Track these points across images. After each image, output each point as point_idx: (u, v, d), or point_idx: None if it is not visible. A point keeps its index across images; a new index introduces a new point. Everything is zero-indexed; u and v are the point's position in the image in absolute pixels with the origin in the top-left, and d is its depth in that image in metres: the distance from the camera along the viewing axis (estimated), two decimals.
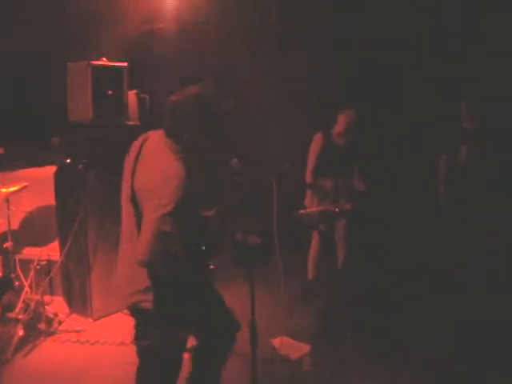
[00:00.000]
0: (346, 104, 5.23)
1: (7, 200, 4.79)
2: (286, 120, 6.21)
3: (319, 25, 6.23)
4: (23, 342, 4.59)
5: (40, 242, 5.41)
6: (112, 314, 5.18)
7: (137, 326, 2.96)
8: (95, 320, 5.14)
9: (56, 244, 5.38)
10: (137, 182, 2.71)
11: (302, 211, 5.10)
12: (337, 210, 4.92)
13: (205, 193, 2.83)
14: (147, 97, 5.37)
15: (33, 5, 6.01)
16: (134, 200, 2.72)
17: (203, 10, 6.07)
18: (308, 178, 5.26)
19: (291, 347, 4.69)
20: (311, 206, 5.19)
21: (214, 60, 6.14)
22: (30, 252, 5.47)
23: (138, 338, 2.97)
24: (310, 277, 5.55)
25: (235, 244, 3.57)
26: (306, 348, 4.68)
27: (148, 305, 2.75)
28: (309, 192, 5.29)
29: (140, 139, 2.85)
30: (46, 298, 5.29)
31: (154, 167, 2.68)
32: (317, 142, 5.26)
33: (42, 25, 5.96)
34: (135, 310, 2.88)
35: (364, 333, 4.89)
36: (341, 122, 5.14)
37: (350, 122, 5.09)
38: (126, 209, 2.80)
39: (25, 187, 4.90)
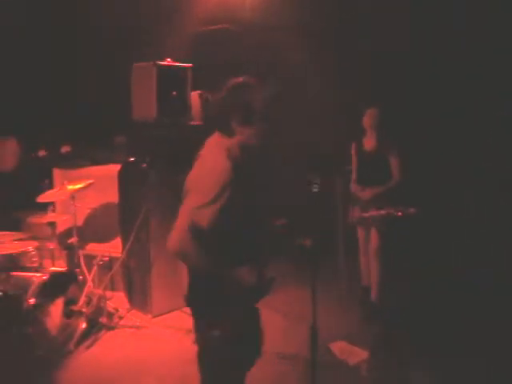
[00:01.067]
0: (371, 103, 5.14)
1: (73, 197, 4.91)
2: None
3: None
4: (85, 334, 4.72)
5: (103, 238, 5.55)
6: (172, 311, 5.24)
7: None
8: (154, 317, 5.21)
9: (118, 241, 5.50)
10: (187, 179, 2.72)
11: (364, 214, 5.02)
12: (399, 213, 4.80)
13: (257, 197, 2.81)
14: (210, 97, 5.40)
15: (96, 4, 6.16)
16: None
17: (267, 11, 6.10)
18: (353, 187, 5.27)
19: (350, 352, 4.62)
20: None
21: (276, 60, 6.13)
22: (93, 248, 5.62)
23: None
24: (364, 282, 5.45)
25: (296, 248, 3.54)
26: (364, 354, 4.60)
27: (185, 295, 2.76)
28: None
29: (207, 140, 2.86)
30: (108, 293, 5.41)
31: (202, 164, 2.69)
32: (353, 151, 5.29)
33: (107, 24, 6.09)
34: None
35: (422, 338, 4.78)
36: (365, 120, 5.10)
37: (374, 119, 5.04)
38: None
39: (90, 185, 5.03)
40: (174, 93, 5.04)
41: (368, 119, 5.09)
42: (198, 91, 5.41)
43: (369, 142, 5.15)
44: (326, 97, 6.06)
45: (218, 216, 2.51)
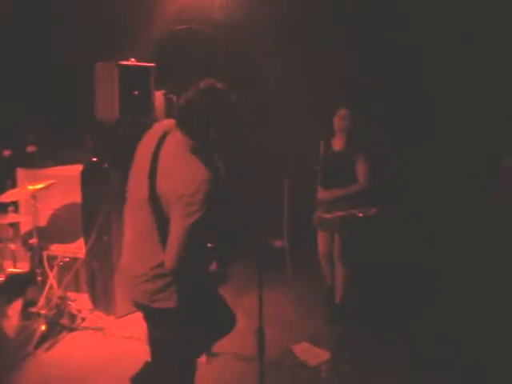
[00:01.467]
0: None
1: (34, 197, 4.87)
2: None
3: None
4: (46, 336, 4.66)
5: (66, 239, 5.49)
6: (134, 312, 5.19)
7: (154, 325, 2.96)
8: (118, 318, 5.17)
9: (82, 241, 5.46)
10: (160, 186, 2.67)
11: (324, 215, 5.01)
12: (360, 214, 4.80)
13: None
14: (175, 97, 5.37)
15: (61, 4, 6.12)
16: (154, 202, 2.69)
17: (233, 11, 6.09)
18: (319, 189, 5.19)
19: (311, 353, 4.62)
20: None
21: (241, 61, 6.13)
22: (57, 249, 5.56)
23: (154, 337, 2.96)
24: (327, 283, 5.40)
25: (261, 247, 3.57)
26: (325, 355, 4.60)
27: (170, 304, 2.76)
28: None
29: (154, 137, 2.81)
30: (72, 294, 5.37)
31: (178, 171, 2.66)
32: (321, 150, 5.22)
33: (71, 25, 6.05)
34: (152, 309, 2.85)
35: (385, 340, 4.79)
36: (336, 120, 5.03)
37: (344, 120, 4.97)
38: (142, 209, 2.75)
39: (51, 185, 4.98)
40: (136, 92, 5.01)
41: (339, 120, 4.99)
42: (162, 91, 5.38)
43: (337, 143, 5.08)
44: (295, 96, 6.04)
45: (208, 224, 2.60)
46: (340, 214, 4.86)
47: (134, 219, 2.86)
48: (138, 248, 2.85)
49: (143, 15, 6.02)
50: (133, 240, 2.89)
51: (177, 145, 2.72)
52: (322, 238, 5.24)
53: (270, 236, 6.13)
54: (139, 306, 2.95)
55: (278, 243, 6.26)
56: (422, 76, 6.21)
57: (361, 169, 4.92)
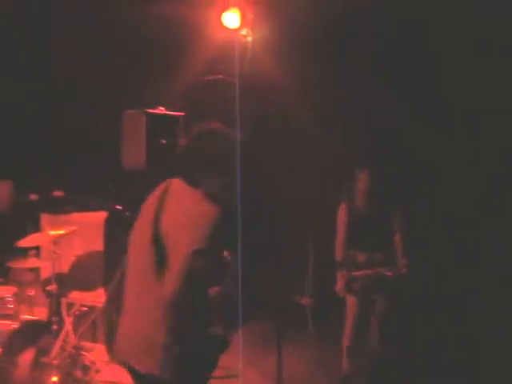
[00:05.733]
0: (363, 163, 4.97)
1: (55, 242, 4.81)
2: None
3: None
4: None
5: (86, 286, 5.40)
6: None
7: None
8: None
9: (102, 290, 5.36)
10: (164, 224, 2.58)
11: (353, 273, 4.81)
12: (389, 273, 4.60)
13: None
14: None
15: (91, 51, 6.25)
16: (157, 244, 2.58)
17: (263, 64, 6.13)
18: (338, 252, 4.94)
19: None
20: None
21: (268, 113, 6.15)
22: (76, 296, 5.46)
23: None
24: (344, 367, 5.00)
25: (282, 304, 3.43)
26: None
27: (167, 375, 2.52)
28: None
29: (161, 188, 2.75)
30: (89, 344, 5.24)
31: (183, 207, 2.58)
32: (341, 213, 4.96)
33: (98, 72, 6.15)
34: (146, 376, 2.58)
35: None
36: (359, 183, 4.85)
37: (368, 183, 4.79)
38: (145, 251, 2.63)
39: (73, 231, 4.93)
40: (163, 141, 4.98)
41: (362, 184, 4.82)
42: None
43: (362, 206, 4.87)
44: (319, 149, 6.00)
45: (213, 258, 2.46)
46: (368, 272, 4.66)
47: (136, 268, 2.71)
48: (144, 310, 2.61)
49: (172, 63, 6.09)
50: (135, 299, 2.68)
51: (183, 187, 2.65)
52: (353, 304, 4.89)
53: (293, 293, 5.97)
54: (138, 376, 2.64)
55: (301, 300, 6.08)
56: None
57: (399, 247, 4.75)
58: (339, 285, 4.87)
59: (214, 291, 2.55)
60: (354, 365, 4.93)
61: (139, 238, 2.71)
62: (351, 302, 4.88)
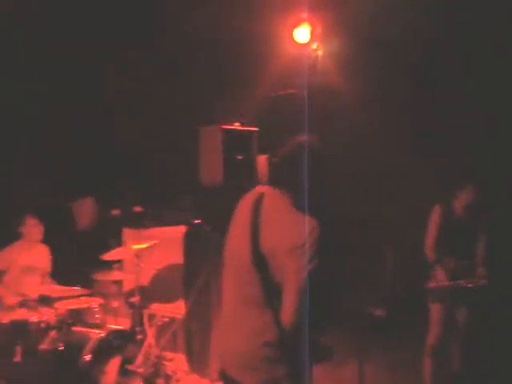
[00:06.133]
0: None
1: (138, 256, 5.01)
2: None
3: None
4: None
5: (166, 299, 5.57)
6: None
7: None
8: (212, 382, 5.11)
9: (182, 302, 5.52)
10: (266, 245, 2.58)
11: (431, 284, 4.74)
12: (470, 285, 4.51)
13: None
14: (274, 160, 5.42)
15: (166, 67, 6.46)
16: (259, 264, 2.57)
17: (335, 78, 6.18)
18: (429, 255, 4.86)
19: None
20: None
21: (341, 125, 6.16)
22: (157, 308, 5.65)
23: None
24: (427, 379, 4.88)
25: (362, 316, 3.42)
26: None
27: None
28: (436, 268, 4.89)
29: (252, 196, 2.78)
30: (169, 354, 5.40)
31: (284, 226, 2.58)
32: (436, 215, 4.90)
33: (176, 87, 6.35)
34: None
35: None
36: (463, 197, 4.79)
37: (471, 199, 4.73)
38: (246, 274, 2.62)
39: (154, 245, 5.11)
40: (240, 157, 5.11)
41: (462, 201, 4.80)
42: (265, 155, 5.45)
43: (458, 212, 4.83)
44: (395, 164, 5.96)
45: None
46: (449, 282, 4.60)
47: (236, 285, 2.72)
48: (244, 319, 2.65)
49: (246, 79, 6.22)
50: (236, 309, 2.71)
51: (277, 202, 2.66)
52: (438, 312, 4.82)
53: (369, 304, 5.90)
54: None
55: (377, 312, 6.00)
56: None
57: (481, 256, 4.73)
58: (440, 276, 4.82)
59: None
60: (437, 378, 4.84)
61: (236, 256, 2.70)
62: (436, 310, 4.80)
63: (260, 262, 2.57)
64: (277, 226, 2.59)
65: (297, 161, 2.60)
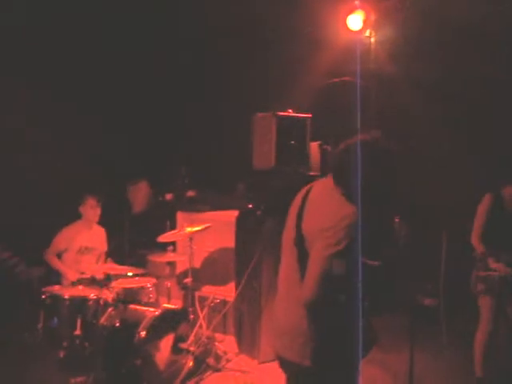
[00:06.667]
0: None
1: (191, 239, 5.14)
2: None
3: None
4: (192, 373, 4.81)
5: (218, 281, 5.70)
6: None
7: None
8: (261, 363, 5.21)
9: (232, 285, 5.63)
10: (305, 226, 2.69)
11: (481, 272, 4.68)
12: None
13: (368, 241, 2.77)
14: (329, 148, 5.45)
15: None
16: (299, 244, 2.69)
17: (388, 64, 6.15)
18: (476, 244, 4.76)
19: None
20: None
21: (395, 113, 6.13)
22: (208, 290, 5.79)
23: None
24: (478, 373, 4.79)
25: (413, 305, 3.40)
26: None
27: (307, 362, 2.65)
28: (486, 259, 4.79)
29: (305, 188, 2.87)
30: (219, 336, 5.54)
31: (324, 209, 2.67)
32: (486, 202, 4.82)
33: (233, 75, 6.44)
34: (290, 364, 2.74)
35: None
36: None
37: None
38: (290, 254, 2.76)
39: (207, 228, 5.23)
40: (293, 142, 5.16)
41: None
42: (318, 142, 5.49)
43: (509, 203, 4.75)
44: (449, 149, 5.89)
45: (349, 261, 2.50)
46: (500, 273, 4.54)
47: (284, 265, 2.86)
48: (291, 298, 2.77)
49: (299, 66, 6.25)
50: (286, 288, 2.84)
51: (324, 190, 2.75)
52: (489, 305, 4.71)
53: (420, 293, 5.90)
54: (285, 364, 2.80)
55: (428, 301, 5.99)
56: None
57: None
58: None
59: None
60: (488, 370, 4.77)
61: (286, 238, 2.83)
62: (486, 302, 4.72)
63: (300, 243, 2.67)
64: (317, 209, 2.68)
65: (357, 156, 2.63)
